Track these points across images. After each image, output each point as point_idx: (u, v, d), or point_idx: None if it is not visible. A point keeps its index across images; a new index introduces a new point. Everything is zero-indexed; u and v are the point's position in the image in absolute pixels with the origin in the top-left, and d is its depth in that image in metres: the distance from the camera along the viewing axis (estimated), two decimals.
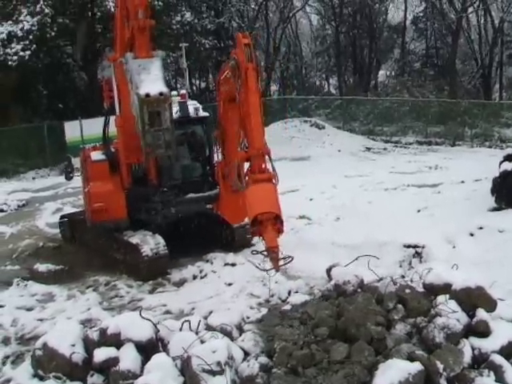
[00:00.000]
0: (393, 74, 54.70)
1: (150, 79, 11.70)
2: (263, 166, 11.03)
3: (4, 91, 32.62)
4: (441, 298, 9.41)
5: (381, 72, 55.27)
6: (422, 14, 52.04)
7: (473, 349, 8.83)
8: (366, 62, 50.80)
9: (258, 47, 48.06)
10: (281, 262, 10.42)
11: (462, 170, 23.94)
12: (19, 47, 30.52)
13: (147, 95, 11.36)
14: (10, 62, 30.42)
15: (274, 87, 51.85)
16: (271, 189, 10.77)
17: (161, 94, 11.43)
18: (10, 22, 31.12)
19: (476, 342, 8.92)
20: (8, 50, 30.46)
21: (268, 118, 38.13)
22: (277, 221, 10.35)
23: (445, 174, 24.62)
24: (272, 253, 10.19)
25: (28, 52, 30.64)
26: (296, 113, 40.97)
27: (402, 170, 26.17)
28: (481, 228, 15.77)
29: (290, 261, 10.38)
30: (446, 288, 9.69)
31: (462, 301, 9.28)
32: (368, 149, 33.78)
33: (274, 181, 10.94)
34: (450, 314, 8.99)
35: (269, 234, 10.20)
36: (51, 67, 35.92)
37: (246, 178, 11.12)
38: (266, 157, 11.18)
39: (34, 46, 30.96)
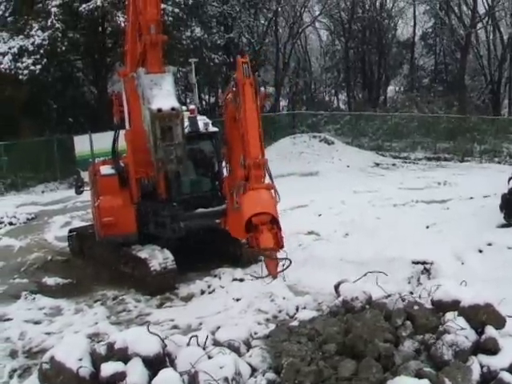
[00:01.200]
0: (402, 89, 54.78)
1: (162, 94, 11.74)
2: (261, 176, 10.88)
3: (15, 105, 32.84)
4: (449, 315, 9.36)
5: (390, 88, 55.37)
6: (430, 30, 52.30)
7: (481, 366, 8.75)
8: (375, 77, 50.90)
9: (268, 62, 48.34)
10: (279, 268, 10.15)
11: (470, 186, 23.91)
12: (30, 61, 30.77)
13: (159, 110, 11.39)
14: (20, 76, 30.67)
15: (283, 102, 51.95)
16: (268, 194, 10.61)
17: (173, 109, 11.46)
18: (21, 36, 31.38)
19: (485, 359, 8.84)
20: (19, 64, 30.70)
21: (277, 133, 38.44)
22: (273, 225, 10.15)
23: (453, 189, 24.58)
24: (268, 255, 9.89)
25: (39, 66, 30.88)
26: (305, 128, 41.10)
27: (411, 185, 26.15)
28: (490, 244, 15.71)
29: (289, 265, 10.05)
30: (454, 305, 9.65)
31: (470, 318, 9.22)
32: (377, 164, 33.84)
33: (272, 192, 10.81)
34: (459, 331, 8.94)
35: (264, 235, 9.93)
36: (61, 81, 36.17)
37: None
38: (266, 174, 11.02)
39: (45, 60, 31.18)
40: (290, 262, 10.05)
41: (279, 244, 10.15)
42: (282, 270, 10.23)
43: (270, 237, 9.90)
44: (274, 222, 10.10)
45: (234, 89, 12.12)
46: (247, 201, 10.45)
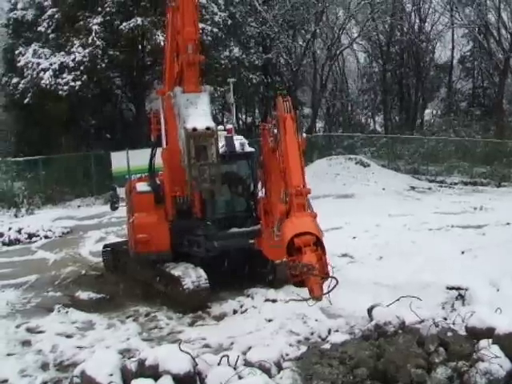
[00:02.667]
0: (439, 113, 54.46)
1: (198, 114, 11.82)
2: (303, 205, 10.63)
3: (54, 120, 33.34)
4: (483, 343, 9.25)
5: (427, 111, 55.09)
6: (469, 54, 51.94)
7: None
8: (412, 100, 50.74)
9: (305, 83, 48.47)
10: (324, 289, 9.81)
11: (507, 212, 23.58)
12: (70, 77, 31.39)
13: (194, 129, 11.45)
14: (60, 92, 31.28)
15: (319, 124, 51.96)
16: (311, 219, 10.36)
17: (207, 128, 11.52)
18: (62, 52, 32.01)
19: None
20: (59, 80, 31.33)
21: (313, 154, 38.41)
22: (317, 247, 9.92)
23: (490, 215, 24.29)
24: (312, 273, 9.47)
25: (78, 82, 31.45)
26: (341, 150, 41.10)
27: (447, 210, 25.93)
28: None
29: (335, 285, 9.63)
30: (489, 332, 9.53)
31: (505, 346, 9.09)
32: (413, 188, 33.60)
33: (316, 220, 10.56)
34: (493, 359, 8.81)
35: (307, 255, 9.59)
36: (100, 98, 36.62)
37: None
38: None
39: (85, 76, 31.65)
40: (337, 282, 9.69)
41: (324, 270, 9.81)
42: (328, 292, 9.88)
43: (314, 257, 9.58)
44: (319, 244, 9.84)
45: (276, 130, 12.06)
46: (289, 225, 10.19)
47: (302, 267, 9.53)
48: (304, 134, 11.94)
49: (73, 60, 31.53)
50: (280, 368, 9.72)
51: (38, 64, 32.02)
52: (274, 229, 12.09)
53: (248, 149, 16.14)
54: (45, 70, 31.65)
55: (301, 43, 46.09)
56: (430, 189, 33.72)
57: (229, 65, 36.31)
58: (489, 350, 8.98)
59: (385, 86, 49.91)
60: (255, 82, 39.79)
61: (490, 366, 8.76)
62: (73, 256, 20.75)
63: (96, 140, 38.70)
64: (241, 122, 48.12)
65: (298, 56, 45.07)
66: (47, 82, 31.31)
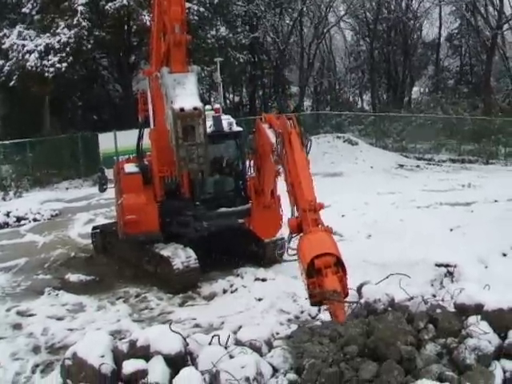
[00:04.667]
0: (426, 90, 54.55)
1: (185, 94, 11.73)
2: (317, 220, 10.51)
3: (40, 102, 33.14)
4: (472, 319, 9.30)
5: (414, 89, 55.12)
6: (456, 31, 51.92)
7: (504, 371, 8.70)
8: (399, 78, 50.72)
9: (292, 62, 48.36)
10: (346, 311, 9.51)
11: (495, 189, 23.72)
12: (56, 59, 31.11)
13: (181, 109, 11.37)
14: (46, 74, 31.03)
15: (307, 102, 51.89)
16: (328, 236, 10.27)
17: (195, 108, 11.44)
18: (47, 34, 31.70)
19: (508, 364, 8.78)
20: (45, 62, 31.06)
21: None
22: (338, 267, 9.60)
23: (478, 192, 24.40)
24: (336, 299, 9.16)
25: (64, 64, 31.19)
26: (329, 128, 41.06)
27: (435, 187, 26.01)
28: None
29: (356, 307, 9.66)
30: (477, 308, 9.58)
31: (493, 322, 9.15)
32: (401, 166, 33.67)
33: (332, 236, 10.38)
34: (482, 336, 8.87)
35: (329, 278, 9.35)
36: (87, 79, 36.46)
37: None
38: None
39: (71, 58, 31.42)
40: (358, 304, 9.67)
41: (345, 291, 9.78)
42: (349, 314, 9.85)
43: (336, 280, 9.39)
44: (339, 264, 9.77)
45: (278, 146, 11.91)
46: (306, 244, 9.87)
47: (326, 293, 9.41)
48: (309, 157, 11.78)
49: (58, 41, 31.25)
50: (271, 347, 9.74)
51: (23, 46, 31.72)
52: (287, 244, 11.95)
53: (236, 128, 16.11)
54: (30, 52, 31.37)
55: (288, 22, 45.97)
56: (418, 166, 33.79)
57: (216, 44, 36.16)
58: (477, 326, 9.03)
59: (372, 64, 49.83)
60: (242, 61, 39.68)
61: (479, 342, 8.82)
62: (62, 238, 20.71)
63: (83, 121, 38.54)
64: (228, 102, 48.00)
65: (284, 35, 45.00)
66: (33, 63, 31.03)
